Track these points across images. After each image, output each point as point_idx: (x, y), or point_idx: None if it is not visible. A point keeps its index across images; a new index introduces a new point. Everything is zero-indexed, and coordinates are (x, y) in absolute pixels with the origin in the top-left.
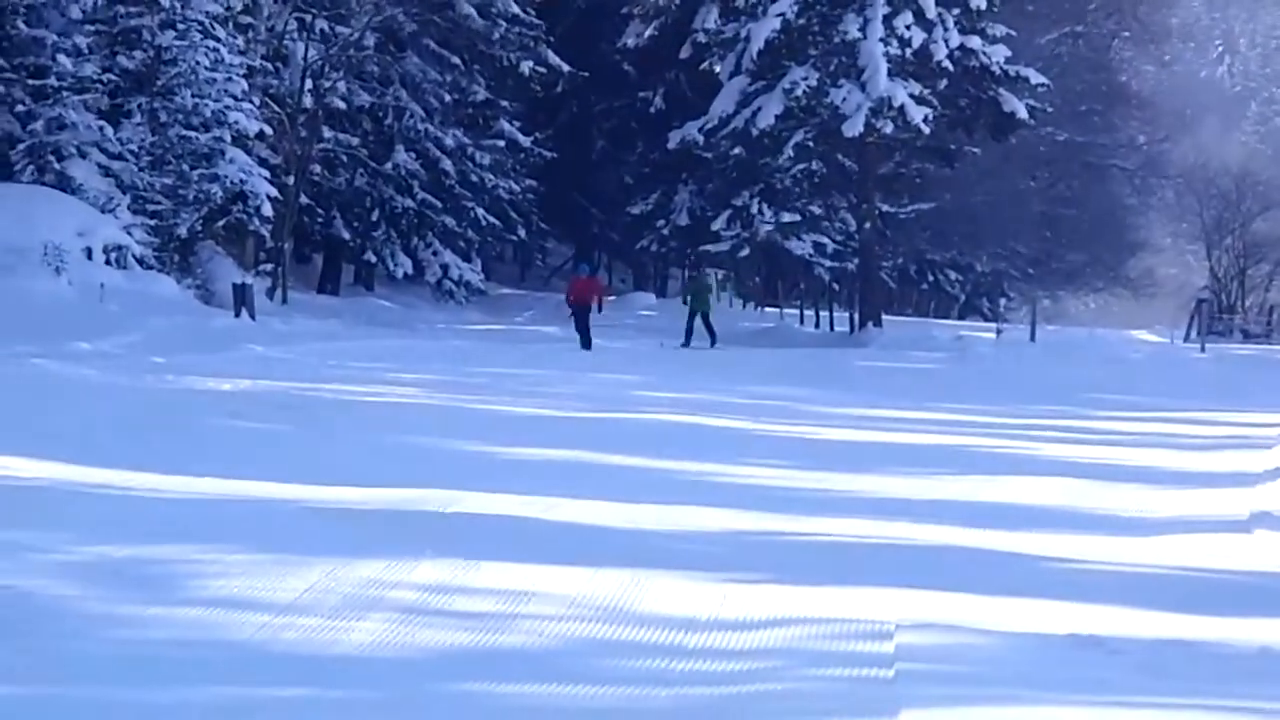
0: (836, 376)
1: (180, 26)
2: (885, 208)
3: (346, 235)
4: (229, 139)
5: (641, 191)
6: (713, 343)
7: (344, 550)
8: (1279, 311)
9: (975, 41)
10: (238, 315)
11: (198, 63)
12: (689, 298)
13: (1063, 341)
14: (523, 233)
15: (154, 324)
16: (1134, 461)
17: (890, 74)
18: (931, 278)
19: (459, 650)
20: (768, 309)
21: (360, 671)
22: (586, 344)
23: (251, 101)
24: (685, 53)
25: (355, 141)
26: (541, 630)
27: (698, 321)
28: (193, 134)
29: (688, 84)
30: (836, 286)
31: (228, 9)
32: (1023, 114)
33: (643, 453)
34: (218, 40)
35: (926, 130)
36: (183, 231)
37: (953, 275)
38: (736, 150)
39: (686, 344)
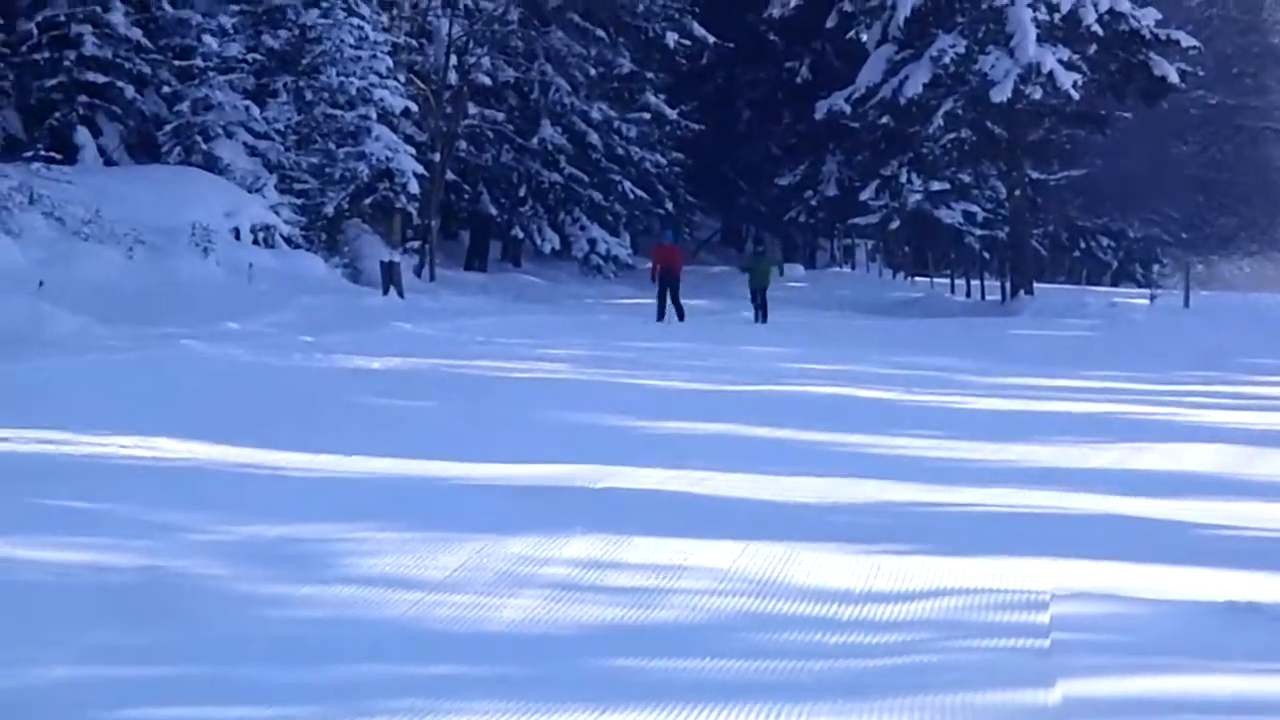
0: (988, 346)
1: (324, 5)
2: (1035, 175)
3: (493, 211)
4: (375, 116)
5: (789, 163)
6: (764, 318)
7: (495, 527)
8: None
9: (1124, 5)
10: (385, 293)
11: (342, 40)
12: (751, 273)
13: (1217, 306)
14: (670, 206)
15: (302, 303)
16: None
17: (1039, 39)
18: (1083, 244)
19: (611, 626)
20: (918, 279)
21: (513, 648)
22: (680, 315)
23: (397, 78)
24: (831, 22)
25: (501, 117)
26: (694, 605)
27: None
28: (338, 112)
29: (834, 53)
30: (987, 255)
31: None
32: (1174, 78)
33: (793, 425)
34: (362, 18)
35: (1076, 96)
36: (329, 210)
37: (1104, 241)
38: (884, 119)
39: (758, 318)
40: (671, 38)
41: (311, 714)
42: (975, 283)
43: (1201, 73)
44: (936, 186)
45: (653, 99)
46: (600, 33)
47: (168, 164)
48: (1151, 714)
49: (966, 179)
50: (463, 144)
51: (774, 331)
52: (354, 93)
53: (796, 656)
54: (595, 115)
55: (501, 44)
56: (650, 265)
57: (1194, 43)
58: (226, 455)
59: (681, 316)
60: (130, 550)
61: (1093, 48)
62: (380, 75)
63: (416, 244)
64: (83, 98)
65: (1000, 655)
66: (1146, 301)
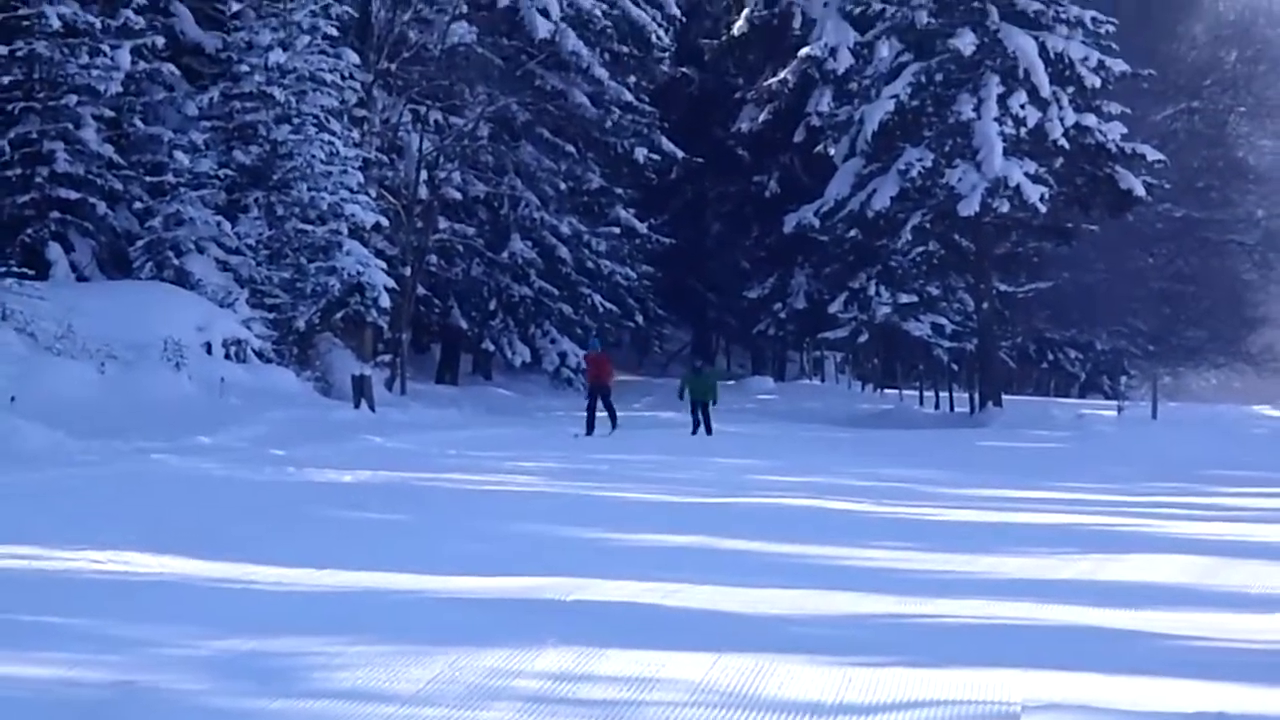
0: (957, 457)
1: (295, 121)
2: (1003, 287)
3: (464, 324)
4: (346, 231)
5: (758, 275)
6: (708, 429)
7: (467, 640)
8: None
9: (1091, 119)
10: (357, 406)
11: (313, 156)
12: (687, 390)
13: (1185, 418)
14: (640, 319)
15: (274, 417)
16: (1259, 537)
17: (1006, 153)
18: (1051, 356)
19: None
20: (887, 391)
21: None
22: (613, 422)
23: (367, 193)
24: (799, 136)
25: (471, 231)
26: (666, 717)
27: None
28: (310, 227)
29: (802, 167)
30: (956, 367)
31: (342, 103)
32: (1140, 191)
33: (763, 537)
34: (333, 134)
35: (1043, 209)
36: (301, 324)
37: (1072, 354)
38: (852, 233)
39: (696, 430)
40: (641, 152)
41: None
42: (944, 394)
43: (1167, 186)
44: (905, 299)
45: (622, 213)
46: (570, 148)
47: (140, 279)
48: None
49: (935, 291)
50: (433, 258)
51: (744, 443)
52: (325, 208)
53: None
54: (565, 229)
55: (472, 159)
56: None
57: (1160, 156)
58: (198, 569)
59: (614, 422)
60: (102, 665)
61: (1059, 161)
62: (351, 190)
63: (388, 357)
64: (55, 214)
65: None
66: (1114, 413)
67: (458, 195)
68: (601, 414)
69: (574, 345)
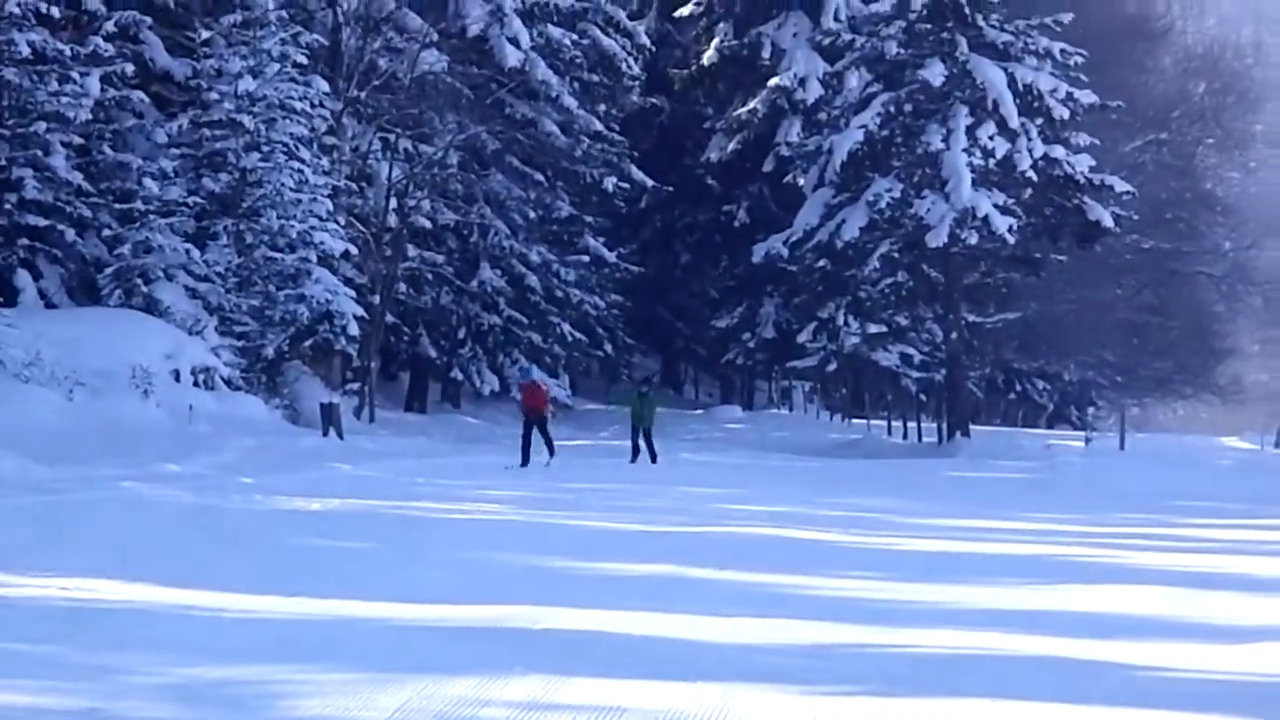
0: (925, 487)
1: (265, 149)
2: (971, 318)
3: (433, 353)
4: (315, 259)
5: (727, 305)
6: (653, 458)
7: (435, 668)
8: None
9: (1059, 151)
10: (325, 434)
11: (283, 184)
12: (633, 414)
13: (1152, 449)
14: (609, 348)
15: (242, 444)
16: (1226, 569)
17: (974, 184)
18: (1019, 387)
19: None
20: (855, 420)
21: None
22: (549, 450)
23: (337, 221)
24: (768, 166)
25: (440, 259)
26: None
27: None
28: (279, 255)
29: (771, 197)
30: (924, 397)
31: (312, 131)
32: (1108, 222)
33: (732, 566)
34: (302, 162)
35: (1011, 240)
36: (270, 352)
37: (1040, 384)
38: (821, 262)
39: (635, 459)
40: (610, 181)
41: None
42: (912, 424)
43: (1135, 217)
44: (873, 329)
45: (591, 241)
46: (539, 176)
47: (108, 306)
48: None
49: (903, 322)
50: (402, 286)
51: (712, 472)
52: (294, 236)
53: None
54: (534, 258)
55: (441, 187)
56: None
57: (1128, 188)
58: (167, 596)
59: (551, 452)
60: (70, 693)
61: (1028, 192)
62: (320, 218)
63: (356, 385)
64: (23, 240)
65: None
66: (1082, 444)
67: (427, 223)
68: (548, 443)
69: (543, 374)
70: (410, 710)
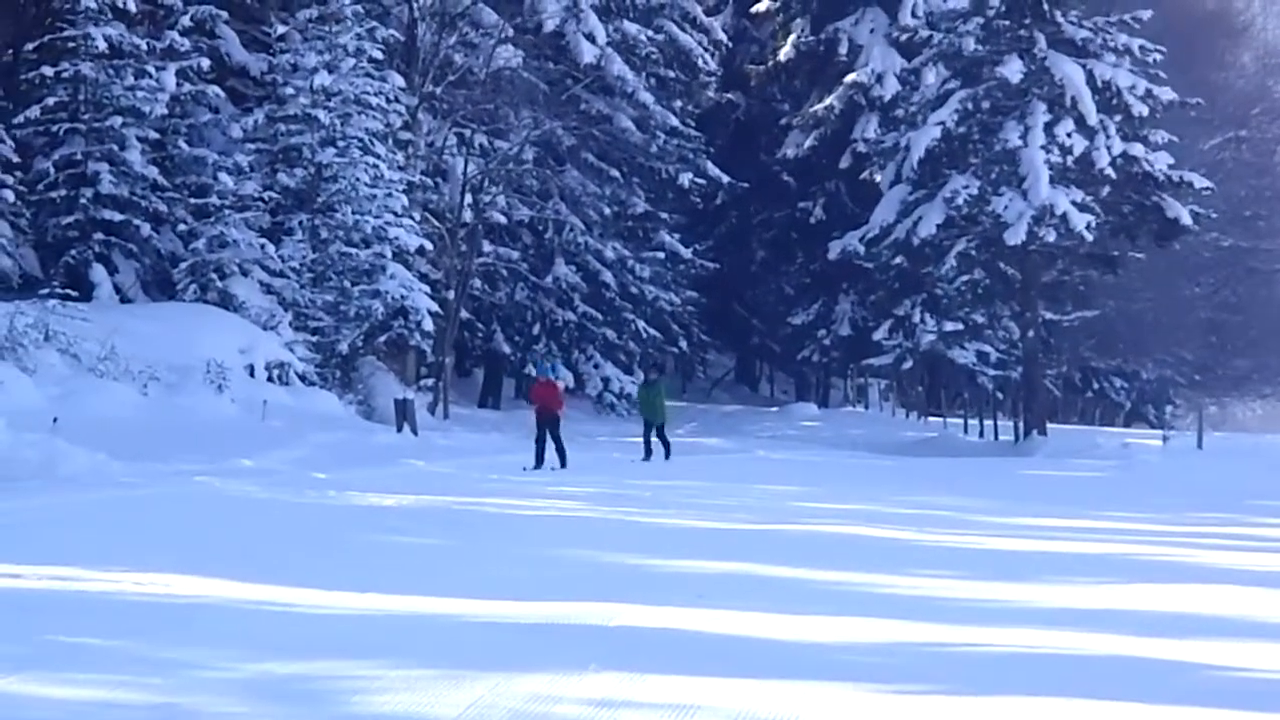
0: (1001, 486)
1: (340, 144)
2: (1049, 315)
3: (507, 349)
4: (389, 254)
5: (802, 302)
6: (667, 453)
7: (508, 664)
8: None
9: (1138, 148)
10: (399, 430)
11: (358, 179)
12: (642, 405)
13: (1230, 448)
14: (684, 344)
15: (316, 440)
16: None
17: (1052, 181)
18: (1096, 385)
19: None
20: (931, 419)
21: None
22: (562, 459)
23: (412, 217)
24: (845, 162)
25: (515, 255)
26: None
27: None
28: (353, 250)
29: (848, 194)
30: (1000, 395)
31: (387, 126)
32: (1187, 220)
33: (806, 564)
34: (377, 157)
35: (1089, 237)
36: (344, 347)
37: (1118, 383)
38: (898, 260)
39: (648, 456)
40: (686, 177)
41: None
42: (988, 423)
43: (1214, 215)
44: (950, 327)
45: (667, 238)
46: (615, 172)
47: (183, 301)
48: None
49: (980, 319)
50: (477, 282)
51: (787, 470)
52: (369, 231)
53: None
54: (609, 254)
55: (516, 183)
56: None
57: (1207, 185)
58: (239, 592)
59: (563, 460)
60: (142, 687)
61: (1106, 189)
62: (395, 213)
63: (430, 381)
64: (99, 235)
65: None
66: (1159, 443)
67: (502, 219)
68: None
69: (618, 370)
70: (483, 706)
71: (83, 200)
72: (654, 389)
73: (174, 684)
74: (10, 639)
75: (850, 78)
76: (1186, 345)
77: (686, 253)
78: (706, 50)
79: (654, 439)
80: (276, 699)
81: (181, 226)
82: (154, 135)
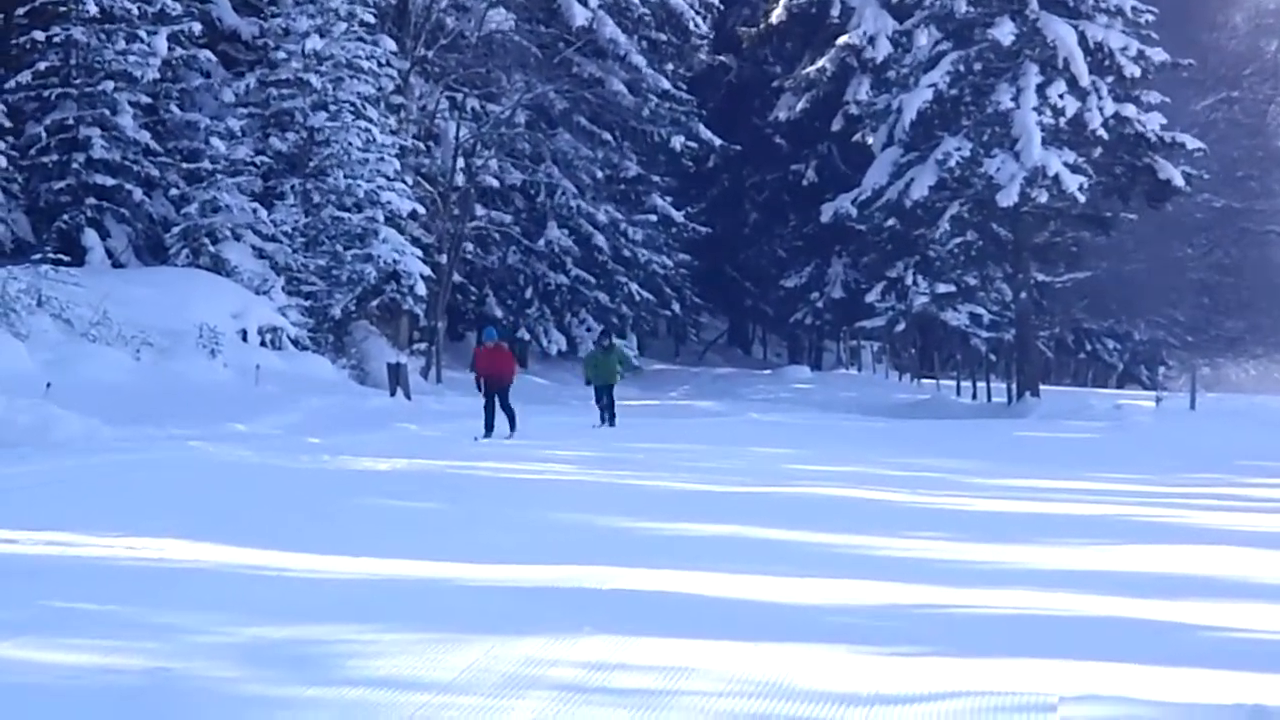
0: (994, 447)
1: (332, 108)
2: (1041, 277)
3: (500, 313)
4: (382, 219)
5: (795, 264)
6: (611, 421)
7: (502, 628)
8: None
9: (1130, 109)
10: (392, 394)
11: (350, 144)
12: (594, 372)
13: (1223, 409)
14: (676, 307)
15: (309, 404)
16: None
17: (1044, 143)
18: (1089, 347)
19: None
20: (924, 381)
21: None
22: (511, 424)
23: (404, 181)
24: (837, 125)
25: (508, 219)
26: (702, 706)
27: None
28: (346, 214)
29: (840, 156)
30: (993, 357)
31: (379, 90)
32: (1179, 181)
33: (800, 526)
34: (370, 121)
35: (1082, 198)
36: (337, 312)
37: (1110, 344)
38: (890, 222)
39: (604, 420)
40: (678, 140)
41: None
42: (981, 385)
43: (1207, 176)
44: (942, 289)
45: (659, 201)
46: (607, 136)
47: (175, 266)
48: None
49: (972, 281)
50: (469, 246)
51: (780, 433)
52: (361, 195)
53: None
54: (601, 217)
55: (508, 147)
56: (473, 375)
57: (1199, 146)
58: (233, 556)
59: (513, 425)
60: (137, 652)
61: (1098, 151)
62: (388, 178)
63: (423, 346)
64: (91, 200)
65: None
66: (1152, 404)
67: (494, 183)
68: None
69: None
70: (478, 670)
71: (75, 165)
72: (610, 353)
73: (169, 648)
74: (5, 604)
75: (842, 40)
76: (1179, 306)
77: (679, 216)
78: (698, 13)
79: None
80: (271, 663)
81: (174, 191)
82: (146, 100)
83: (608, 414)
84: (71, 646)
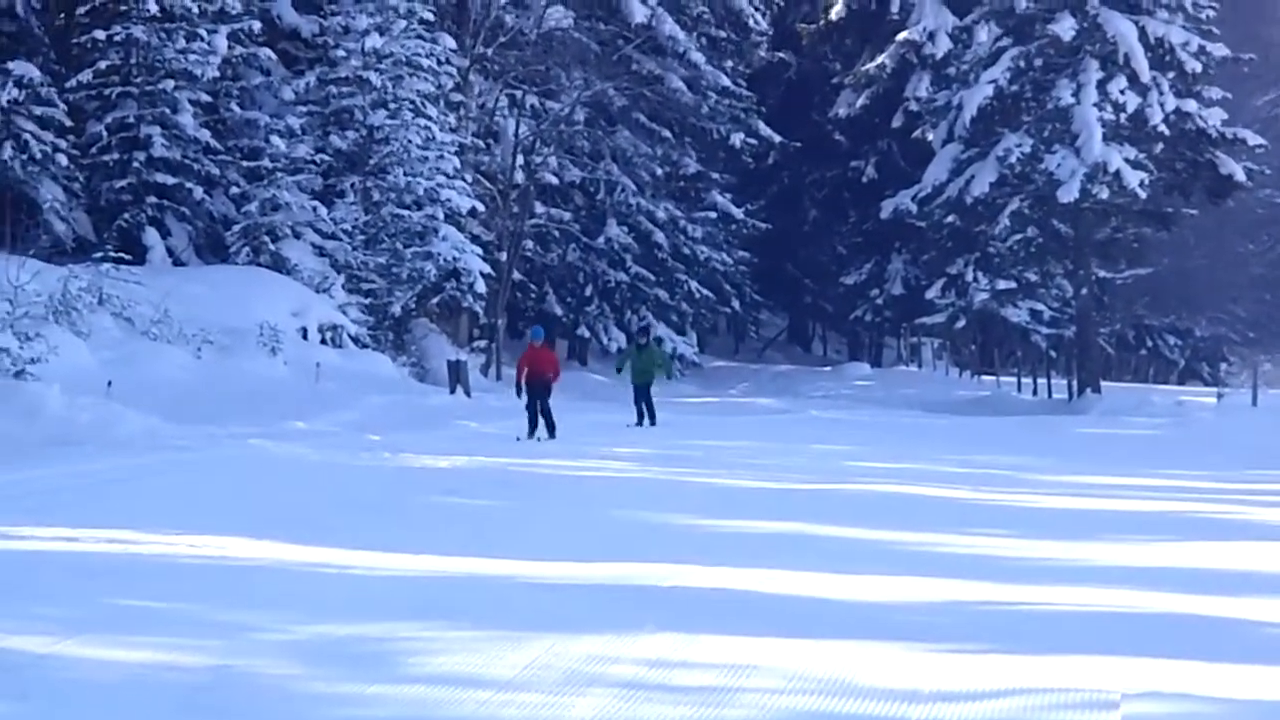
0: (1054, 444)
1: (392, 106)
2: (1102, 273)
3: (559, 310)
4: (442, 216)
5: (855, 261)
6: (651, 421)
7: (564, 625)
8: None
9: (1191, 105)
10: (453, 392)
11: (410, 141)
12: (631, 369)
13: None
14: (736, 304)
15: (369, 402)
16: None
17: (1105, 139)
18: (1150, 343)
19: None
20: (984, 377)
21: None
22: (550, 430)
23: (464, 179)
24: (897, 121)
25: (567, 216)
26: (763, 704)
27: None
28: (406, 212)
29: (900, 152)
30: (1054, 353)
31: (439, 88)
32: (1240, 176)
33: (861, 523)
34: (429, 119)
35: (1143, 194)
36: (397, 309)
37: (1171, 340)
38: (950, 218)
39: (641, 421)
40: (737, 137)
41: None
42: (1042, 381)
43: (1268, 171)
44: (1003, 285)
45: (719, 198)
46: (666, 133)
47: (236, 264)
48: None
49: (1033, 278)
50: (529, 243)
51: (840, 430)
52: (421, 193)
53: None
54: (661, 214)
55: (568, 144)
56: (515, 374)
57: (1261, 141)
58: (294, 554)
59: (552, 432)
60: (199, 650)
61: (1159, 146)
62: (447, 175)
63: (483, 343)
64: (151, 199)
65: None
66: (1214, 400)
67: (554, 180)
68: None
69: (670, 331)
70: (539, 667)
71: (135, 164)
72: (644, 353)
73: (231, 646)
74: (68, 602)
75: (902, 36)
76: (1240, 302)
77: (738, 213)
78: (757, 9)
79: (640, 402)
80: (333, 661)
81: (234, 189)
82: (206, 98)
83: (647, 411)
84: (134, 644)
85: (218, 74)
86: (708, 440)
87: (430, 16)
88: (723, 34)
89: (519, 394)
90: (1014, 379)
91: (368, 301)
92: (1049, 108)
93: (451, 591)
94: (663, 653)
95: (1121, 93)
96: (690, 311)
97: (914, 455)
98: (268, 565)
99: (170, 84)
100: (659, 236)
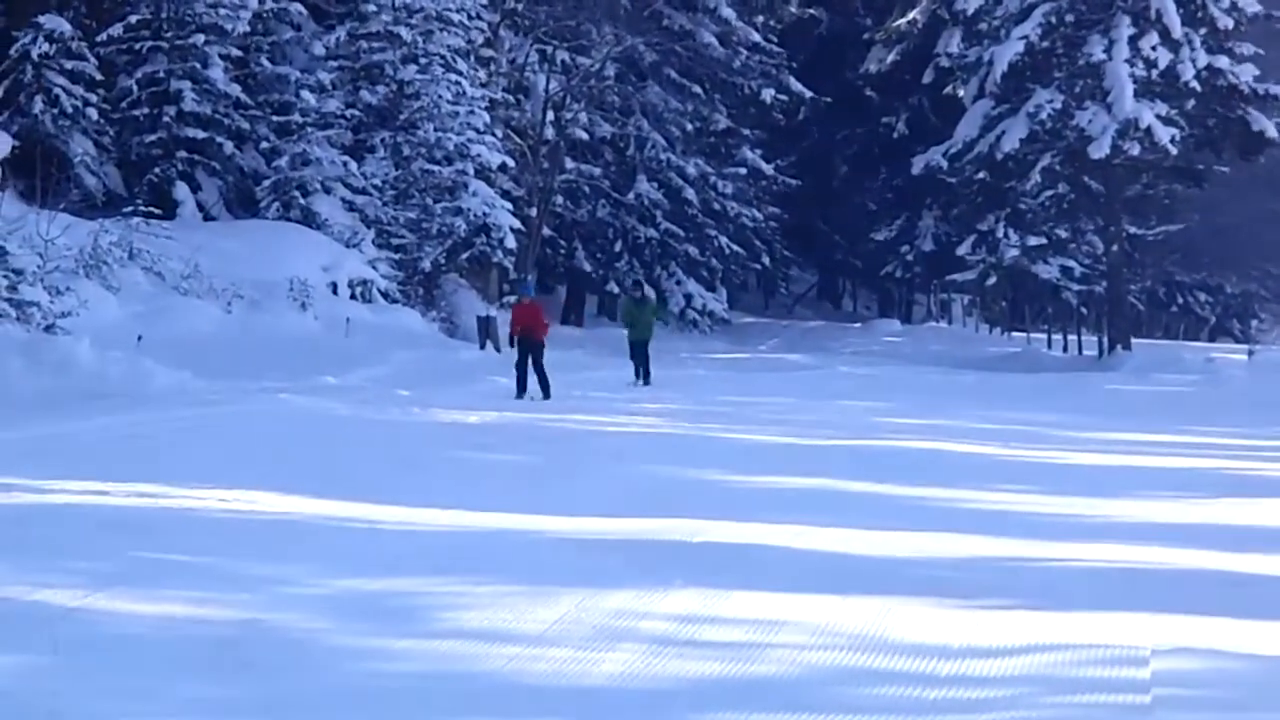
0: (1085, 401)
1: (422, 61)
2: (1133, 230)
3: (589, 266)
4: (472, 172)
5: (885, 218)
6: (646, 380)
7: (593, 581)
8: None
9: (1223, 61)
10: (482, 347)
11: (440, 96)
12: (630, 325)
13: None
14: (766, 261)
15: (399, 357)
16: None
17: (1136, 95)
18: (1180, 300)
19: (710, 680)
20: (1015, 334)
21: (612, 703)
22: (544, 389)
23: (494, 134)
24: (928, 77)
25: (597, 172)
26: (792, 659)
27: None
28: (436, 168)
29: (931, 108)
30: (1084, 310)
31: (469, 43)
32: (1272, 133)
33: (889, 479)
34: (459, 74)
35: (1174, 151)
36: (427, 265)
37: (1202, 297)
38: (981, 175)
39: (639, 378)
40: (768, 93)
41: None
42: (1072, 338)
43: None
44: (1034, 241)
45: (749, 154)
46: (696, 88)
47: (266, 219)
48: None
49: (1064, 234)
50: (559, 199)
51: (869, 386)
52: (451, 148)
53: (894, 711)
54: (691, 170)
55: (598, 100)
56: (509, 330)
57: None
58: (324, 509)
59: (547, 392)
60: (229, 603)
61: (1190, 103)
62: (477, 131)
63: (513, 298)
64: (182, 153)
65: (1100, 711)
66: (1244, 357)
67: (584, 136)
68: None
69: (700, 287)
70: (569, 622)
71: (166, 118)
72: (644, 305)
73: (261, 600)
74: (99, 555)
75: None
76: (1271, 259)
77: (769, 169)
78: None
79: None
80: (364, 615)
81: (264, 144)
82: (236, 53)
83: (643, 370)
84: (164, 597)
85: (248, 28)
86: (737, 396)
87: None
88: None
89: (511, 345)
90: (1044, 335)
91: (398, 257)
92: (1080, 64)
93: (480, 546)
94: (692, 608)
95: (1153, 49)
96: (720, 268)
97: (943, 411)
98: (297, 519)
99: (201, 38)
100: (689, 192)
